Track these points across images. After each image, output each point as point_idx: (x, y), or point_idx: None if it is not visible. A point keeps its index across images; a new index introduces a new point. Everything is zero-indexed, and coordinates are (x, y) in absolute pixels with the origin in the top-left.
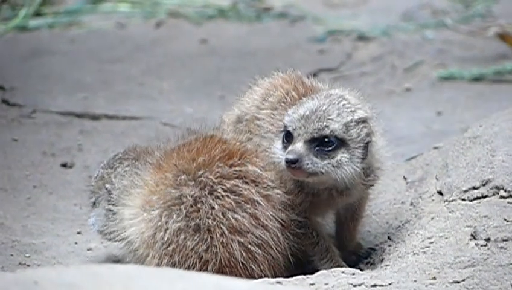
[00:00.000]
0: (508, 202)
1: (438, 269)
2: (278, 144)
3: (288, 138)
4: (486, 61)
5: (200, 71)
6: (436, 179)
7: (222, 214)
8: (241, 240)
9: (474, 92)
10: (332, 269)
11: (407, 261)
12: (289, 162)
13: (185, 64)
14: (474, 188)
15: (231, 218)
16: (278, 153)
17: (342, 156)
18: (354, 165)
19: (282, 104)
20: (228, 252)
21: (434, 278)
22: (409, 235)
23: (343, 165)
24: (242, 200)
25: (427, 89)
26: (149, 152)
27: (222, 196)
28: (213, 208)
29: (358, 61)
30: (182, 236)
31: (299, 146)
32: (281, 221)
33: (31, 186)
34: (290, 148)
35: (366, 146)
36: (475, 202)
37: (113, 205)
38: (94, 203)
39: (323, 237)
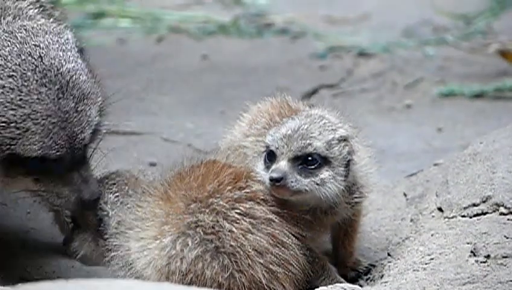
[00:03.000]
0: (508, 219)
1: (438, 285)
2: (260, 164)
3: (271, 157)
4: (487, 78)
5: (200, 87)
6: (436, 195)
7: (243, 236)
8: (262, 261)
9: (474, 108)
10: (332, 285)
11: (407, 277)
12: (273, 181)
13: (185, 79)
14: (474, 205)
15: (251, 240)
16: (261, 172)
17: (325, 174)
18: (337, 183)
19: (267, 131)
20: (252, 275)
21: None
22: (408, 251)
23: (327, 183)
24: (257, 222)
25: (428, 105)
26: (136, 178)
27: (238, 219)
28: (232, 231)
29: (359, 78)
30: (200, 265)
31: (283, 164)
32: (297, 235)
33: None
34: (273, 166)
35: (348, 164)
36: (475, 218)
37: (103, 232)
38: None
39: (317, 255)
